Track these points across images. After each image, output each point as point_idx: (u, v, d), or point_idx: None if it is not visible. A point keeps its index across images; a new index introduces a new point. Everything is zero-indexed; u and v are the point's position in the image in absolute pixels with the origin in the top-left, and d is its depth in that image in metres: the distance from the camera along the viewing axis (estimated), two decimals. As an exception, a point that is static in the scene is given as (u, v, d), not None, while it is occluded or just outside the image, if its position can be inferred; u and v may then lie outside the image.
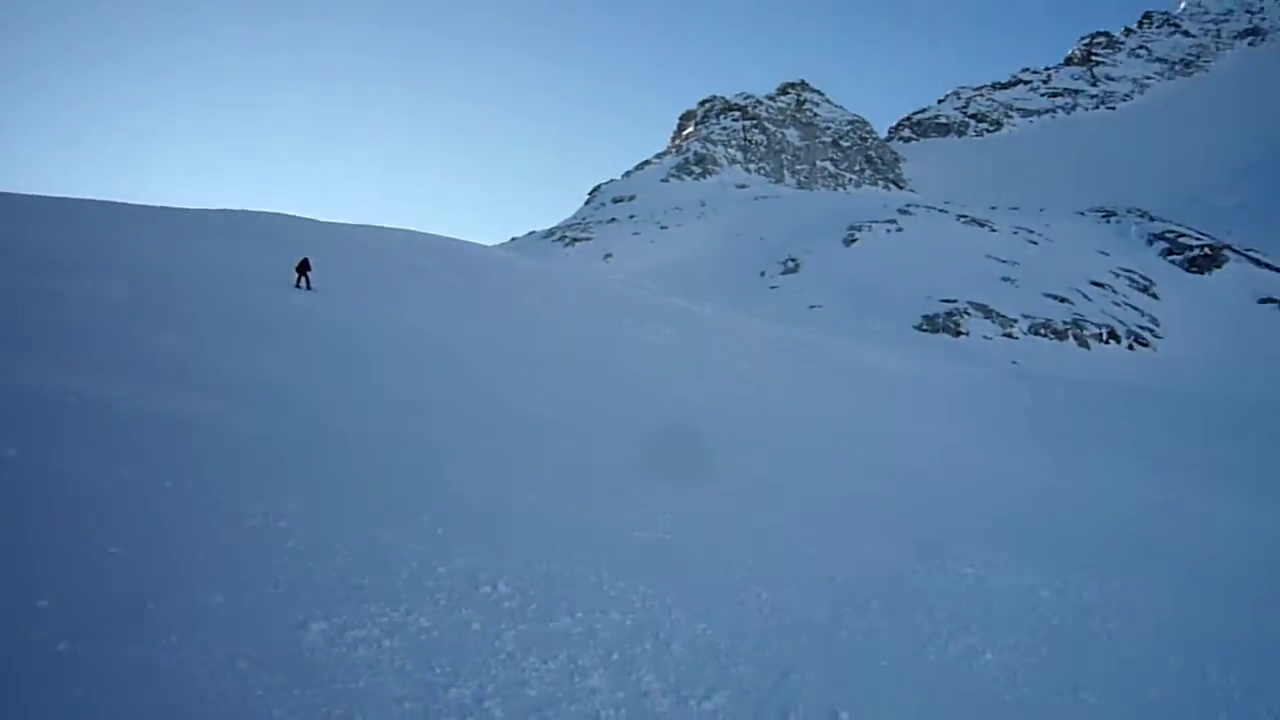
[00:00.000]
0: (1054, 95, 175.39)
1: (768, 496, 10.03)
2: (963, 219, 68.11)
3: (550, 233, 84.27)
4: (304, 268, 22.42)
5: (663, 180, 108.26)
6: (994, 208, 75.69)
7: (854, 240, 63.58)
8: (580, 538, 6.81)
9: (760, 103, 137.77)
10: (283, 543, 5.42)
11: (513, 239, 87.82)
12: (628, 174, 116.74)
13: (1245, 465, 22.86)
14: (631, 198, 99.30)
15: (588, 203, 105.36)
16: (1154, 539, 11.69)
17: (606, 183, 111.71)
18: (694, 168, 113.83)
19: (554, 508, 7.56)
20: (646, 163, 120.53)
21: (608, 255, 70.24)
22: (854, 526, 9.11)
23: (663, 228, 78.18)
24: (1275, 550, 13.09)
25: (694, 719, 4.34)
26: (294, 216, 37.10)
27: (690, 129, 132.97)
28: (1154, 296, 56.69)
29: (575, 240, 75.96)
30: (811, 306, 51.51)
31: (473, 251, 39.23)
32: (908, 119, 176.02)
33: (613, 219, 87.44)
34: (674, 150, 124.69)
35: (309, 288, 21.90)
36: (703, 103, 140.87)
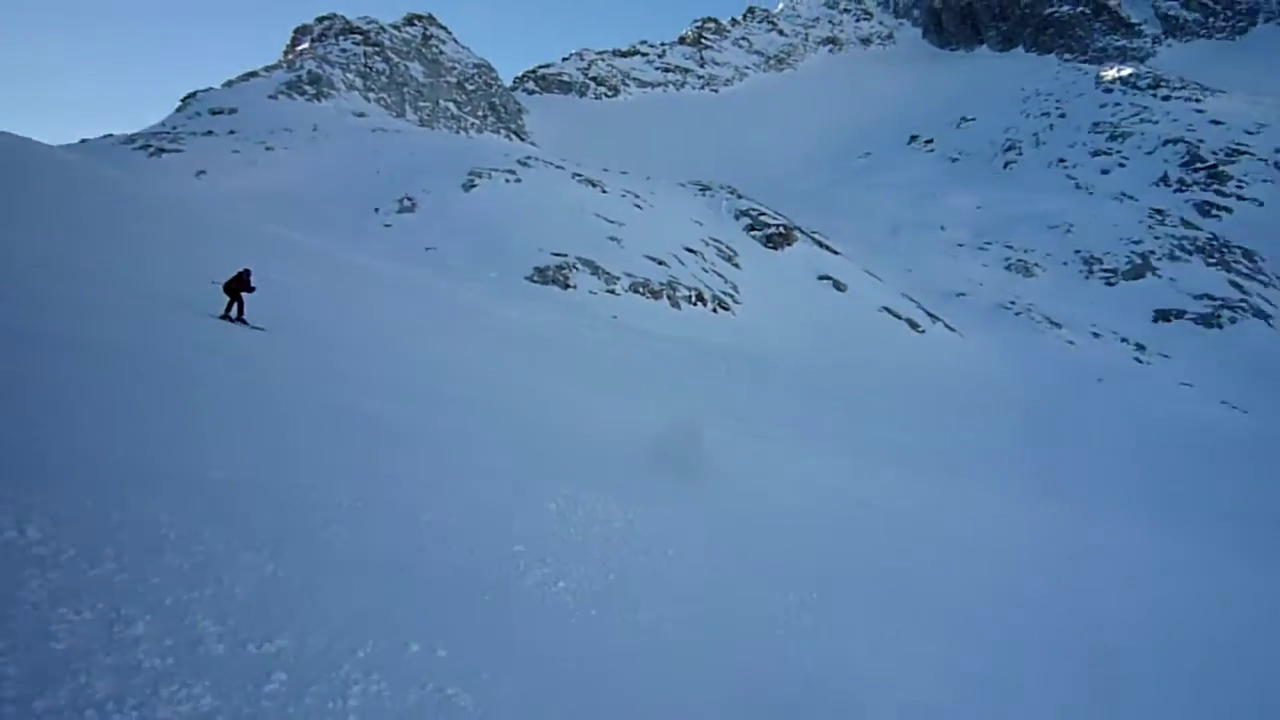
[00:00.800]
0: (667, 70, 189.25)
1: (362, 431, 9.71)
2: (578, 178, 71.02)
3: (132, 139, 73.29)
4: (238, 288, 15.48)
5: (270, 96, 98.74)
6: (606, 170, 79.69)
7: (474, 186, 63.46)
8: (141, 476, 5.96)
9: (384, 30, 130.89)
10: None
11: (83, 140, 75.19)
12: (229, 83, 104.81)
13: (803, 417, 26.92)
14: (233, 111, 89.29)
15: (180, 110, 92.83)
16: (723, 475, 13.22)
17: (204, 90, 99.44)
18: (307, 88, 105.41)
19: (109, 442, 6.59)
20: (253, 74, 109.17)
21: (200, 172, 63.04)
22: (448, 463, 9.18)
23: (268, 149, 71.84)
24: (825, 485, 15.60)
25: (252, 661, 4.07)
26: None
27: (305, 46, 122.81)
28: (737, 266, 63.95)
29: (162, 151, 67.03)
30: (428, 249, 50.78)
31: (26, 149, 33.03)
32: (532, 72, 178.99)
33: (210, 132, 78.24)
34: (285, 66, 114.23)
35: (242, 318, 15.65)
36: (321, 19, 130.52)
